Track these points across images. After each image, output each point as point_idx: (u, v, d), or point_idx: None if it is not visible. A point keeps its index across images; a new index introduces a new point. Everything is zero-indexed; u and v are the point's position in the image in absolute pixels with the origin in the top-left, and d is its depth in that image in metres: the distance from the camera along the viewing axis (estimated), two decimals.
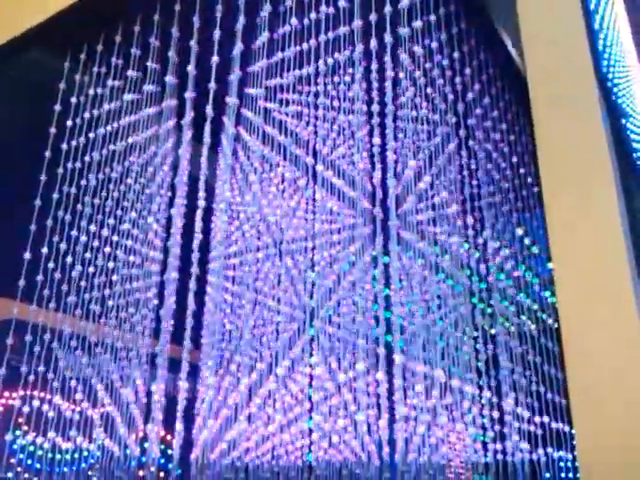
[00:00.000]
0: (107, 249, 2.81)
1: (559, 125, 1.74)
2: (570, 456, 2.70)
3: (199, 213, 2.45)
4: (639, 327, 1.47)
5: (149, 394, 2.65)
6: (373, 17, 2.23)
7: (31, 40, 3.13)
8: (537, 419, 2.69)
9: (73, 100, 2.98)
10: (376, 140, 2.19)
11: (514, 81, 3.09)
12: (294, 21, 2.52)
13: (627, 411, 1.44)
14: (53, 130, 2.94)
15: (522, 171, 3.17)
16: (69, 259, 2.75)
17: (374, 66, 2.21)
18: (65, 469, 2.84)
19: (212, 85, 2.51)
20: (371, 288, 2.52)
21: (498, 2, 2.83)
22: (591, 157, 1.67)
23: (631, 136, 2.28)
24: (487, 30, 2.91)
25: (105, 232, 2.84)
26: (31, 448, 2.94)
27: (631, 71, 2.85)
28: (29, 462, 3.09)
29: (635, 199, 2.35)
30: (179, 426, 2.27)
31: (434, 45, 2.53)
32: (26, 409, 2.63)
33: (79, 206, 2.86)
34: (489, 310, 2.84)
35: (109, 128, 2.95)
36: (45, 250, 2.75)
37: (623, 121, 2.15)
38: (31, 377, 2.63)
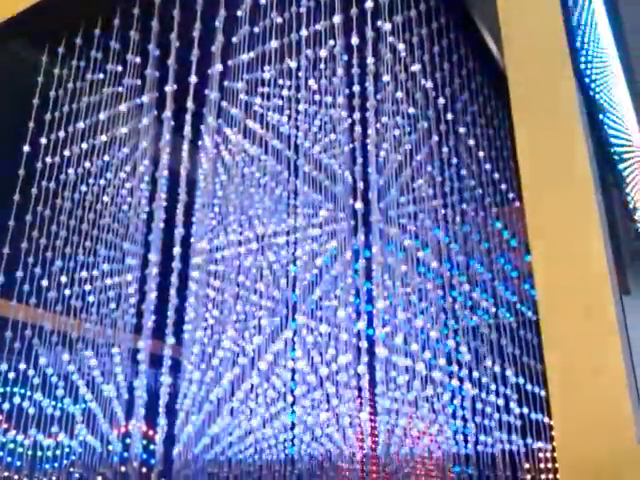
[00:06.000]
0: (87, 244, 2.79)
1: (537, 120, 1.76)
2: (549, 446, 2.75)
3: (180, 207, 2.44)
4: (617, 318, 1.50)
5: (131, 390, 2.64)
6: (354, 11, 2.24)
7: (8, 33, 3.09)
8: (517, 410, 2.73)
9: (52, 94, 2.95)
10: (357, 134, 2.20)
11: (493, 76, 3.12)
12: (275, 15, 2.52)
13: (605, 401, 1.47)
14: (31, 124, 2.91)
15: (501, 165, 3.21)
16: (49, 254, 2.73)
17: (355, 60, 2.22)
18: (47, 466, 2.83)
19: (193, 78, 2.50)
20: (353, 282, 2.53)
21: None
22: (569, 151, 1.69)
23: (608, 131, 2.32)
24: (467, 25, 2.93)
25: (85, 227, 2.82)
26: (11, 446, 2.91)
27: (608, 67, 2.89)
28: (9, 460, 3.06)
29: (612, 193, 2.38)
30: (162, 421, 2.27)
31: (415, 40, 2.54)
32: (6, 406, 2.62)
33: (58, 201, 2.83)
34: (469, 303, 2.87)
35: (88, 122, 2.93)
36: (25, 245, 2.73)
37: (601, 116, 2.18)
38: (11, 374, 2.61)
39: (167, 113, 2.56)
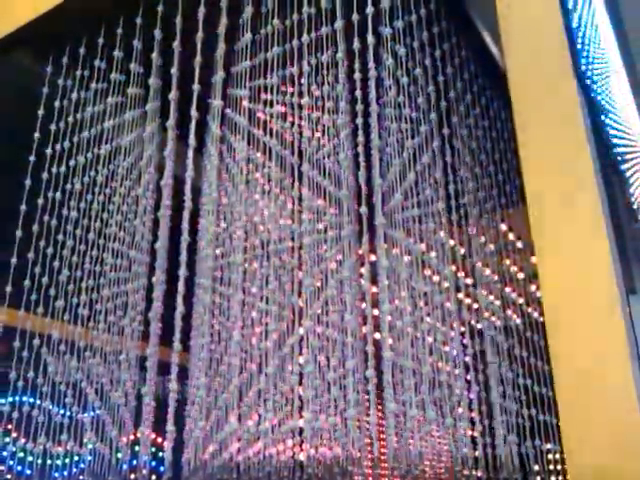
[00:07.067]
0: (94, 252, 2.81)
1: (539, 123, 1.77)
2: (558, 447, 2.74)
3: (186, 215, 2.45)
4: (623, 317, 1.51)
5: (139, 397, 2.64)
6: (355, 17, 2.25)
7: (12, 44, 3.11)
8: (525, 412, 2.72)
9: (56, 104, 2.97)
10: (360, 139, 2.21)
11: (495, 78, 3.12)
12: (276, 22, 2.53)
13: (613, 402, 1.47)
14: (37, 134, 2.93)
15: (505, 167, 3.21)
16: (56, 263, 2.74)
17: (357, 65, 2.23)
18: (56, 474, 2.83)
19: (196, 86, 2.52)
20: (358, 286, 2.53)
21: (478, 1, 2.87)
22: (572, 153, 1.69)
23: (610, 132, 2.32)
24: (467, 29, 2.94)
25: (91, 236, 2.83)
26: (21, 454, 2.92)
27: (609, 68, 2.89)
28: (19, 468, 3.07)
29: (615, 193, 2.39)
30: (170, 428, 2.27)
31: (415, 44, 2.55)
32: (15, 415, 2.64)
33: (65, 210, 2.85)
34: (475, 305, 2.87)
35: (93, 131, 2.95)
36: (32, 255, 2.74)
37: (602, 118, 2.19)
38: (20, 383, 2.62)
39: (171, 121, 2.58)
